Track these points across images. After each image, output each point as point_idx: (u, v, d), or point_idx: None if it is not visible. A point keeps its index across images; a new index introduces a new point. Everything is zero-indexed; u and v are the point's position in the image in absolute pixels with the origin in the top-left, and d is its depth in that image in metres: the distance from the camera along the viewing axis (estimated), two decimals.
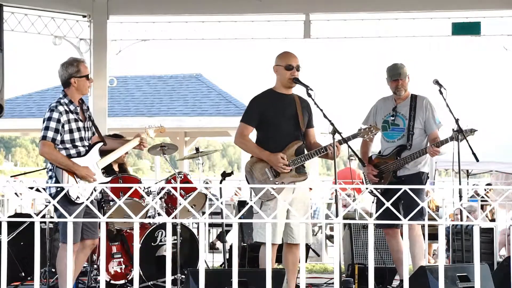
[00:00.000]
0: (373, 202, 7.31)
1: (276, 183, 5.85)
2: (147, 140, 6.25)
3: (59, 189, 5.64)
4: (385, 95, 6.99)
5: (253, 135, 6.11)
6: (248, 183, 6.01)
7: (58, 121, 5.77)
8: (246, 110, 6.12)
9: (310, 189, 7.40)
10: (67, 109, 5.85)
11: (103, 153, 6.07)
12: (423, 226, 7.23)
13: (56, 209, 5.65)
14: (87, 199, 5.67)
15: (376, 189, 6.53)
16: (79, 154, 5.87)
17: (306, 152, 6.00)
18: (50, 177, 5.84)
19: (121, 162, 7.82)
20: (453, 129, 6.49)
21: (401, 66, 6.81)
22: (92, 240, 6.01)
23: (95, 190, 5.89)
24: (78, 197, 5.70)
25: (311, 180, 6.28)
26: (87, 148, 5.94)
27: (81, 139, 5.90)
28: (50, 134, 5.75)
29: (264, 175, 5.91)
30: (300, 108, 6.01)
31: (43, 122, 5.81)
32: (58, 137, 5.77)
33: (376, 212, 6.95)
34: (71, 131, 5.84)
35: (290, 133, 5.97)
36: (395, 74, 6.78)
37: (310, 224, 6.31)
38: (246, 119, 6.04)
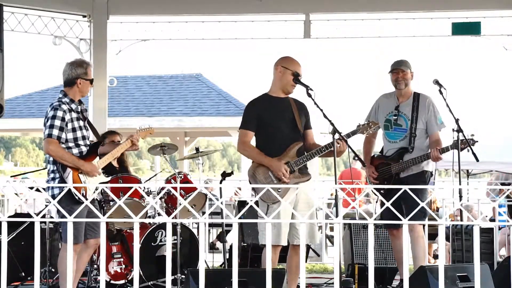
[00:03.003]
0: (376, 202, 7.29)
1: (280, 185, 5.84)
2: (139, 141, 6.27)
3: (64, 188, 5.65)
4: (385, 92, 6.97)
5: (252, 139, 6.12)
6: None
7: (63, 119, 5.79)
8: (243, 116, 6.11)
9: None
10: (70, 108, 5.87)
11: (100, 155, 6.08)
12: (423, 226, 7.23)
13: (59, 209, 5.65)
14: (87, 199, 5.68)
15: (379, 190, 6.53)
16: (81, 154, 5.88)
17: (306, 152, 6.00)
18: (53, 178, 5.83)
19: (121, 159, 7.75)
20: (453, 129, 6.48)
21: (405, 60, 6.78)
22: (95, 239, 5.99)
23: (96, 189, 5.89)
24: (83, 194, 5.71)
25: (312, 180, 6.27)
26: (88, 147, 5.95)
27: (83, 137, 5.93)
28: (56, 132, 5.76)
29: (267, 179, 5.90)
30: (297, 111, 6.02)
31: (47, 120, 5.81)
32: (63, 135, 5.79)
33: (381, 213, 6.97)
34: (74, 129, 5.86)
35: (289, 136, 5.96)
36: (395, 64, 6.75)
37: (315, 224, 6.30)
38: (244, 125, 6.04)
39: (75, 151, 5.86)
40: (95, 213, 5.45)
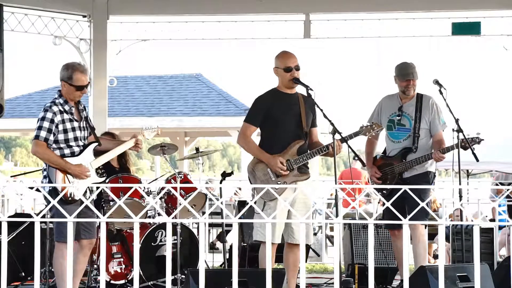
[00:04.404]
0: (378, 202, 7.27)
1: (279, 182, 5.85)
2: (142, 141, 6.23)
3: (51, 188, 5.66)
4: (387, 94, 6.96)
5: (255, 134, 6.11)
6: (251, 183, 6.00)
7: (52, 121, 5.78)
8: (250, 110, 6.12)
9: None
10: (62, 109, 5.85)
11: (98, 153, 6.06)
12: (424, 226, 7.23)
13: (50, 208, 5.65)
14: (75, 200, 5.69)
15: (380, 190, 6.52)
16: (73, 154, 5.87)
17: (308, 151, 6.00)
18: (45, 177, 5.87)
19: (124, 158, 7.73)
20: (453, 129, 6.48)
21: (413, 65, 6.73)
22: (88, 240, 5.98)
23: (91, 191, 5.86)
24: (70, 196, 5.70)
25: (312, 180, 6.27)
26: (81, 148, 5.94)
27: (76, 139, 5.90)
28: (43, 133, 5.77)
29: (266, 175, 5.91)
30: (304, 108, 6.01)
31: (37, 121, 5.83)
32: (51, 137, 5.78)
33: (383, 213, 6.97)
34: (65, 131, 5.84)
35: (293, 132, 5.97)
36: (408, 74, 6.69)
37: (311, 224, 6.31)
38: (249, 119, 6.05)
39: (67, 151, 5.85)
40: (89, 213, 5.50)
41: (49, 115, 5.79)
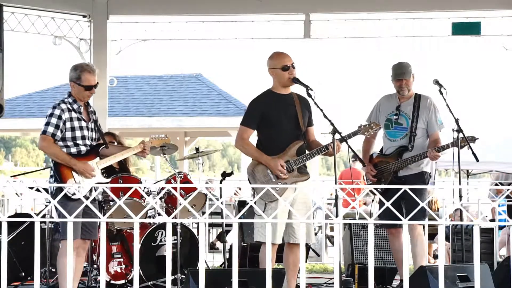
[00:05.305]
0: (373, 201, 7.28)
1: (279, 183, 5.85)
2: (149, 148, 6.29)
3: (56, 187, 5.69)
4: (387, 93, 6.98)
5: (253, 136, 6.11)
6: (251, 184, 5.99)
7: (59, 117, 5.85)
8: (246, 112, 6.11)
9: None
10: (70, 107, 5.93)
11: (103, 157, 6.08)
12: (423, 226, 7.24)
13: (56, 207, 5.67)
14: (87, 199, 5.68)
15: (377, 189, 6.53)
16: (79, 153, 5.91)
17: (307, 151, 6.00)
18: (51, 176, 5.91)
19: (122, 159, 7.73)
20: (453, 129, 6.49)
21: (406, 65, 6.77)
22: (83, 240, 5.97)
23: (94, 190, 5.88)
24: (74, 193, 5.72)
25: (312, 180, 6.27)
26: (88, 148, 5.97)
27: (83, 137, 5.95)
28: (50, 129, 5.83)
29: (266, 177, 5.90)
30: (300, 107, 6.01)
31: (45, 118, 5.90)
32: (58, 133, 5.85)
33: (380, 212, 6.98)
34: (73, 129, 5.91)
35: (291, 133, 5.96)
36: (399, 74, 6.74)
37: (312, 224, 6.31)
38: (245, 122, 6.04)
39: (73, 150, 5.91)
40: (93, 214, 5.49)
41: (57, 111, 5.87)
